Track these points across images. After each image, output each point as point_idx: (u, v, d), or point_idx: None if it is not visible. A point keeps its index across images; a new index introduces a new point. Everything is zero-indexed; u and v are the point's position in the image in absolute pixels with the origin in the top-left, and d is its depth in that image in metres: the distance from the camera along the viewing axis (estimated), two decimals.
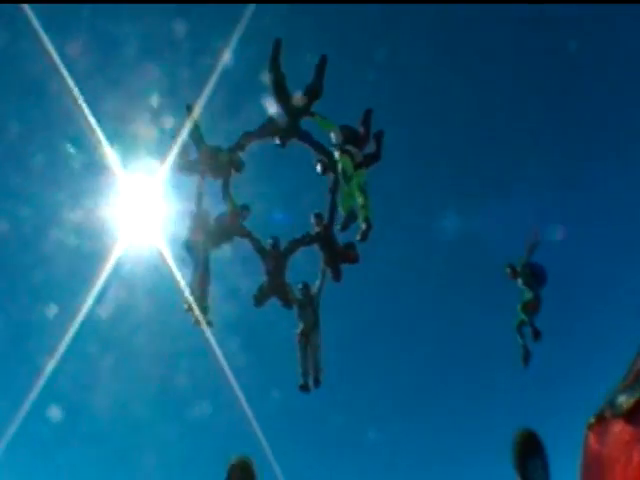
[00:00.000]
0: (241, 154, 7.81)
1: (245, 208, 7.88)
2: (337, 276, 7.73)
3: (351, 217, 7.18)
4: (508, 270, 8.64)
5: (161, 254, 10.20)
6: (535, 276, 8.42)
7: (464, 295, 14.71)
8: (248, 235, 7.85)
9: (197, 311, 7.26)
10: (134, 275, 12.51)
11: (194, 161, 7.91)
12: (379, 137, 7.56)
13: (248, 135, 7.79)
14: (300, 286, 8.06)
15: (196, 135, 7.91)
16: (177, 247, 8.41)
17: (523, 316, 8.51)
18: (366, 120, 7.55)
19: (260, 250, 7.82)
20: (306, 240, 7.85)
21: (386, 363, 15.65)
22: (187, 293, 7.43)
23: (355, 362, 15.45)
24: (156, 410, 15.62)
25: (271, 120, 7.60)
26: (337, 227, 7.45)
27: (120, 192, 10.53)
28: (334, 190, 7.61)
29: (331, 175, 7.58)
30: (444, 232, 13.58)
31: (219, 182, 7.92)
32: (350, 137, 7.34)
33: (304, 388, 7.81)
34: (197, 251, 7.57)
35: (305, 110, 7.46)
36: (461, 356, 15.47)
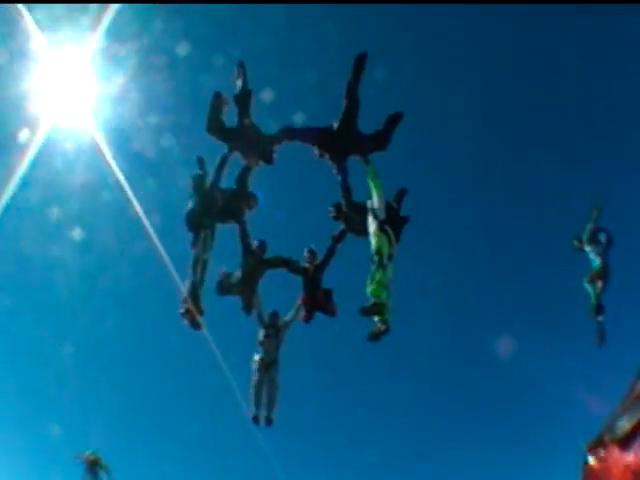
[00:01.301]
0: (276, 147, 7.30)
1: (254, 197, 7.47)
2: (308, 318, 7.63)
3: (378, 308, 6.42)
4: (576, 242, 8.65)
5: (91, 133, 10.02)
6: (602, 240, 8.43)
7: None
8: (242, 225, 7.48)
9: (194, 308, 6.65)
10: (62, 156, 11.79)
11: (230, 129, 7.18)
12: (403, 222, 7.19)
13: (292, 132, 7.28)
14: (269, 312, 7.93)
15: (244, 102, 7.16)
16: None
17: (590, 290, 8.39)
18: (399, 199, 7.33)
19: (246, 246, 7.49)
20: (292, 266, 7.68)
21: None
22: (185, 292, 6.77)
23: None
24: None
25: (324, 130, 7.10)
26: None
27: (46, 68, 9.79)
28: (338, 239, 7.52)
29: (342, 225, 7.43)
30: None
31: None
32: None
33: (255, 420, 7.71)
34: (204, 228, 6.96)
35: (361, 151, 7.07)
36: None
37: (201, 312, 6.72)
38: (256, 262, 7.54)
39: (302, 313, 7.66)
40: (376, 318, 6.47)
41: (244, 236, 7.52)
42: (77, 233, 14.08)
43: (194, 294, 6.70)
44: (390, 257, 6.54)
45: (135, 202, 8.90)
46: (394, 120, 7.04)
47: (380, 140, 7.06)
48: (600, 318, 8.50)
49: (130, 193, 8.59)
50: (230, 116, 7.26)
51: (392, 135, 7.06)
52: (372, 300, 6.39)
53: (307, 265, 7.58)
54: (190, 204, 7.14)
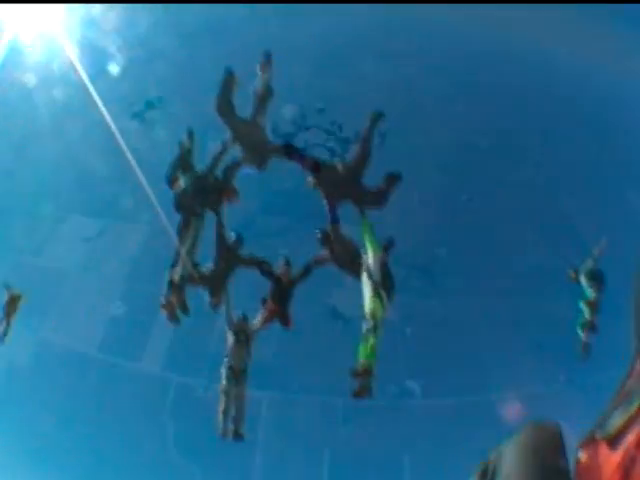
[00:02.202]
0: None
1: (237, 192, 7.37)
2: (264, 324, 7.62)
3: (367, 373, 6.31)
4: (572, 274, 9.07)
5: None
6: (596, 281, 8.87)
7: None
8: (219, 216, 7.34)
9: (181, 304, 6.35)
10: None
11: (240, 120, 6.96)
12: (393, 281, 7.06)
13: (295, 153, 7.39)
14: (239, 315, 7.75)
15: (264, 100, 6.94)
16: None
17: (586, 312, 8.87)
18: (387, 248, 7.19)
19: (220, 237, 7.36)
20: (265, 268, 7.61)
21: None
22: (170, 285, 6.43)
23: None
24: None
25: (327, 167, 7.21)
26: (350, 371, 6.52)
27: None
28: (319, 263, 7.52)
29: (326, 252, 7.34)
30: None
31: None
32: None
33: (224, 435, 7.40)
34: (196, 215, 6.74)
35: (359, 203, 7.13)
36: None
37: (187, 311, 6.50)
38: (230, 256, 7.43)
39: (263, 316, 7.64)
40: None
41: (220, 227, 7.40)
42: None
43: (181, 288, 6.47)
44: (382, 321, 6.53)
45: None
46: (393, 180, 7.17)
47: (379, 197, 7.19)
48: (588, 335, 9.03)
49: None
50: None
51: (390, 195, 7.20)
52: (365, 364, 6.33)
53: (281, 275, 7.56)
54: (181, 183, 6.98)
